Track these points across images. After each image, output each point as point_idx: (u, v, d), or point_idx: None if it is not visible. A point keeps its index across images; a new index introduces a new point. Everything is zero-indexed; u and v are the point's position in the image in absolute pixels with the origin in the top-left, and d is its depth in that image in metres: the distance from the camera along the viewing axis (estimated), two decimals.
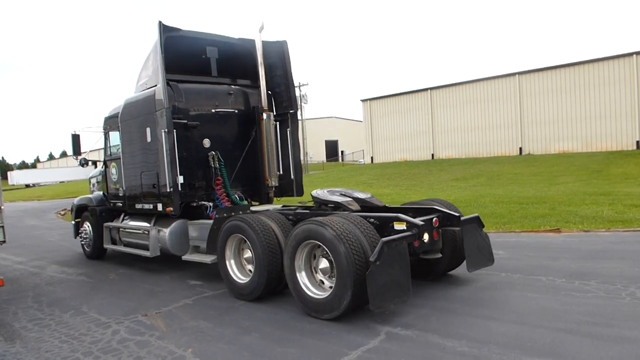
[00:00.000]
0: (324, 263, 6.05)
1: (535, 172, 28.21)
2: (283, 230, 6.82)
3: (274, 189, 9.63)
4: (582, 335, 4.93)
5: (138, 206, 9.46)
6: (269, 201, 9.68)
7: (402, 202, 8.26)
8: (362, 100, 48.50)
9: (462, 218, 6.69)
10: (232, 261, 7.33)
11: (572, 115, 35.52)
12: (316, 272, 6.21)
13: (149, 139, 8.74)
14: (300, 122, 9.86)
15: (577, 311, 5.68)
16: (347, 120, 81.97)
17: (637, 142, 33.10)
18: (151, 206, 8.99)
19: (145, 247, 9.27)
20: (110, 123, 10.49)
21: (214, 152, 8.92)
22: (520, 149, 37.90)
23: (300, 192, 10.06)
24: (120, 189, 10.12)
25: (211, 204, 8.70)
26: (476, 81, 40.50)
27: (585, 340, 4.81)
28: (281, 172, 9.76)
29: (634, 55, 32.88)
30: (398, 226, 6.09)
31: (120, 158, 10.01)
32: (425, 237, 6.12)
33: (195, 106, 9.03)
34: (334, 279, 5.78)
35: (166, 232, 8.81)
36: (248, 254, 7.07)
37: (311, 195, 7.87)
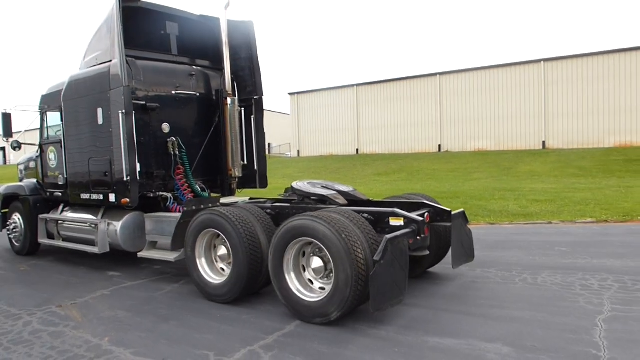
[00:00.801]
0: (316, 262, 5.57)
1: (452, 168, 29.78)
2: (263, 226, 6.28)
3: (237, 180, 9.04)
4: (477, 316, 5.47)
5: (84, 196, 8.42)
6: (232, 193, 9.06)
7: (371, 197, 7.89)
8: (289, 94, 48.72)
9: (452, 213, 6.31)
10: (204, 259, 6.68)
11: (487, 115, 37.76)
12: (304, 272, 5.74)
13: (100, 121, 7.77)
14: None
15: (476, 295, 6.28)
16: (274, 112, 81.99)
17: (543, 142, 35.77)
18: (101, 197, 8.01)
19: (91, 243, 8.40)
20: (50, 102, 9.30)
21: (174, 138, 8.15)
22: (440, 146, 39.74)
23: (264, 184, 9.36)
24: (61, 176, 9.08)
25: (171, 195, 8.09)
26: (400, 80, 41.99)
27: (479, 320, 5.35)
28: (245, 162, 9.08)
29: (542, 62, 35.49)
30: (394, 222, 5.75)
31: (61, 142, 8.89)
32: (423, 233, 5.74)
33: (154, 86, 8.18)
34: (327, 279, 5.50)
35: (117, 226, 7.98)
36: (222, 251, 6.49)
37: (292, 187, 7.15)
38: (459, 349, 4.62)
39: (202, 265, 6.65)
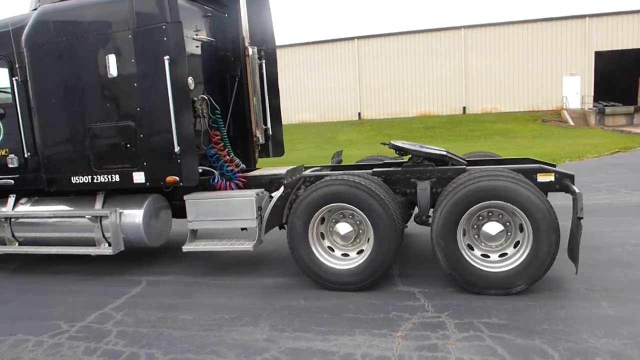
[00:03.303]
0: (495, 228, 4.99)
1: None
2: (391, 196, 5.39)
3: (259, 147, 7.44)
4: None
5: (77, 180, 6.24)
6: (255, 163, 7.43)
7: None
8: None
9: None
10: (325, 241, 5.54)
11: (311, 88, 40.22)
12: (481, 243, 5.10)
13: (113, 73, 5.82)
14: None
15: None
16: None
17: (359, 113, 39.41)
18: (115, 178, 6.05)
19: (85, 243, 6.36)
20: None
21: (204, 97, 6.23)
22: None
23: (279, 152, 7.74)
24: (13, 156, 6.62)
25: (215, 171, 6.36)
26: None
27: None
28: (267, 126, 7.43)
29: (355, 40, 38.73)
30: (543, 178, 5.31)
31: (15, 105, 6.41)
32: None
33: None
34: (512, 248, 5.03)
35: (138, 215, 6.11)
36: (344, 229, 5.40)
37: (399, 147, 6.02)
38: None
39: (318, 249, 5.47)
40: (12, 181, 6.72)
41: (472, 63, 38.23)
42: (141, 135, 5.81)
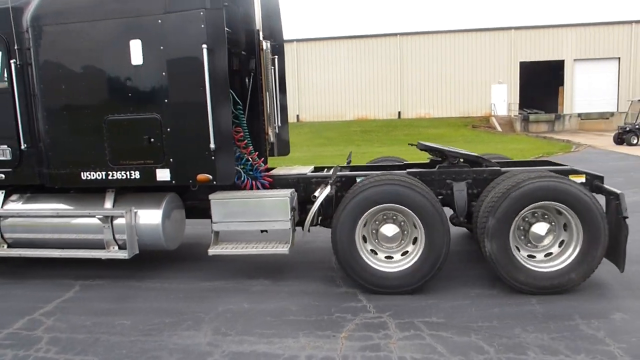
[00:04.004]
0: (541, 228, 5.05)
1: None
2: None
3: (270, 146, 6.94)
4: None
5: (89, 175, 5.69)
6: (266, 163, 6.91)
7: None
8: None
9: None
10: (368, 244, 5.31)
11: None
12: (527, 244, 5.15)
13: (137, 60, 5.37)
14: None
15: None
16: None
17: (297, 115, 39.49)
18: (135, 174, 5.56)
19: (86, 245, 5.82)
20: None
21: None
22: None
23: (285, 151, 7.34)
24: (8, 148, 5.94)
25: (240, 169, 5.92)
26: None
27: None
28: (279, 124, 6.99)
29: (295, 42, 38.71)
30: (575, 179, 5.30)
31: (12, 90, 5.77)
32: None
33: None
34: (558, 246, 5.09)
35: (157, 216, 5.65)
36: (392, 230, 5.21)
37: (431, 147, 6.10)
38: None
39: (365, 251, 5.24)
40: (2, 176, 6.03)
41: (407, 69, 39.45)
42: (168, 129, 5.39)
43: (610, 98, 38.05)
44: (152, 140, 5.43)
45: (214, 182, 5.41)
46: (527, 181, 4.90)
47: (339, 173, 5.85)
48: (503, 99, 38.89)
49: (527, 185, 4.87)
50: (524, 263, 4.99)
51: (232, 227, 5.61)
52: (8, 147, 5.92)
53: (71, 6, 5.49)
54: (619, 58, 37.98)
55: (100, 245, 5.74)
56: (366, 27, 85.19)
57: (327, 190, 5.43)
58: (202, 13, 5.13)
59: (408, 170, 5.84)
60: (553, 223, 5.09)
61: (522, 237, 5.14)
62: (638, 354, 3.80)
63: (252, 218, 5.53)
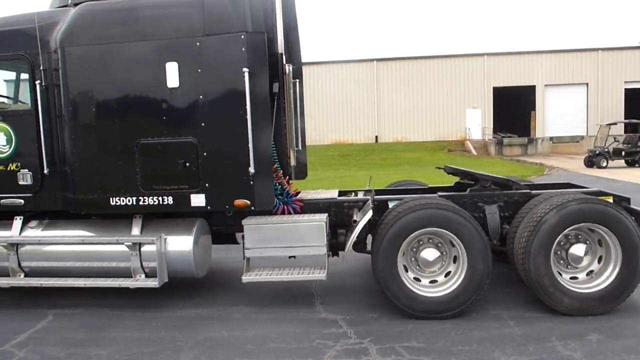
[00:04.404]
0: (580, 250, 5.15)
1: None
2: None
3: (291, 170, 6.69)
4: None
5: (119, 201, 5.47)
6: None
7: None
8: None
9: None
10: (410, 271, 5.28)
11: None
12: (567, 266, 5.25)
13: (173, 83, 5.26)
14: None
15: None
16: None
17: None
18: (168, 200, 5.40)
19: (108, 274, 5.63)
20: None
21: None
22: None
23: (303, 175, 7.11)
24: (26, 172, 5.67)
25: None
26: None
27: None
28: (300, 148, 6.71)
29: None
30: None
31: (37, 112, 5.56)
32: None
33: None
34: (602, 263, 5.19)
35: (188, 242, 5.45)
36: (433, 254, 5.19)
37: (460, 170, 6.30)
38: None
39: (406, 275, 5.21)
40: (22, 201, 5.71)
41: (384, 94, 40.02)
42: (204, 153, 5.28)
43: (580, 122, 39.11)
44: (187, 164, 5.31)
45: (252, 208, 5.31)
46: (570, 203, 4.99)
47: (384, 197, 5.84)
48: (477, 123, 39.65)
49: (572, 206, 4.97)
50: (565, 284, 5.05)
51: (265, 253, 5.46)
52: (29, 171, 5.68)
53: (106, 26, 5.38)
54: (587, 83, 39.23)
55: (125, 273, 5.53)
56: (343, 52, 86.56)
57: (369, 214, 5.35)
58: (243, 36, 5.12)
59: (439, 193, 5.91)
60: (588, 242, 5.21)
61: (562, 261, 5.24)
62: None
63: (286, 244, 5.41)
